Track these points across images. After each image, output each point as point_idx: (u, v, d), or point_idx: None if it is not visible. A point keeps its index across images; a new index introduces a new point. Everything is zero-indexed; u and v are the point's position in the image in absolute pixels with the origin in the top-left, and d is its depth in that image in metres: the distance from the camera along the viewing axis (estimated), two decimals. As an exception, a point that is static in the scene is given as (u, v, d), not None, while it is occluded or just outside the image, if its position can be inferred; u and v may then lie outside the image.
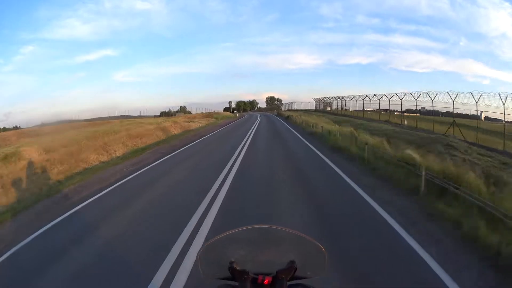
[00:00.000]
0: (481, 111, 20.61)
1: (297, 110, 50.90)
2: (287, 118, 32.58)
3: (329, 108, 46.46)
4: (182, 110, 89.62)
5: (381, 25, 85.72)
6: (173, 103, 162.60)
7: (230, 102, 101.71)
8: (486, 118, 22.65)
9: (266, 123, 28.79)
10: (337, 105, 43.85)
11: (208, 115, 42.98)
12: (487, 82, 67.00)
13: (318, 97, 54.44)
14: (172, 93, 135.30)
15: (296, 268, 0.81)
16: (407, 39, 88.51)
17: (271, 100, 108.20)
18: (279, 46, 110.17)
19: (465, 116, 21.68)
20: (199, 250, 0.86)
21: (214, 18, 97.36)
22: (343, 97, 39.93)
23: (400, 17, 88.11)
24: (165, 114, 75.86)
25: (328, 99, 48.42)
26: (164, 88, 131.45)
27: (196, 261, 0.88)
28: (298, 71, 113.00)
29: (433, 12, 71.58)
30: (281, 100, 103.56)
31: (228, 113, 56.25)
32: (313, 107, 54.68)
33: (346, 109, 38.71)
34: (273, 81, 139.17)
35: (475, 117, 20.22)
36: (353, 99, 35.71)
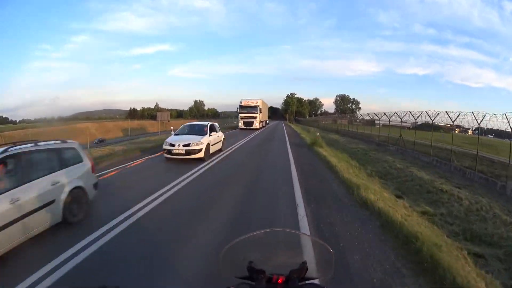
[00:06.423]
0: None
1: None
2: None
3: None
4: (197, 106, 71.79)
5: (437, 35, 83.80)
6: (229, 102, 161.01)
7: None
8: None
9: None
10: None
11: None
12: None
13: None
14: (229, 92, 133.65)
15: (307, 269, 0.86)
16: (462, 51, 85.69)
17: (342, 101, 74.05)
18: (337, 51, 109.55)
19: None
20: (221, 252, 0.90)
21: (271, 20, 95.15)
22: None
23: (455, 28, 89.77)
24: (133, 114, 58.15)
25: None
26: (219, 86, 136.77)
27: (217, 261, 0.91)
28: (357, 78, 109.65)
29: (485, 25, 69.20)
30: (358, 103, 72.75)
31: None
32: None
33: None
34: (332, 86, 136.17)
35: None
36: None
